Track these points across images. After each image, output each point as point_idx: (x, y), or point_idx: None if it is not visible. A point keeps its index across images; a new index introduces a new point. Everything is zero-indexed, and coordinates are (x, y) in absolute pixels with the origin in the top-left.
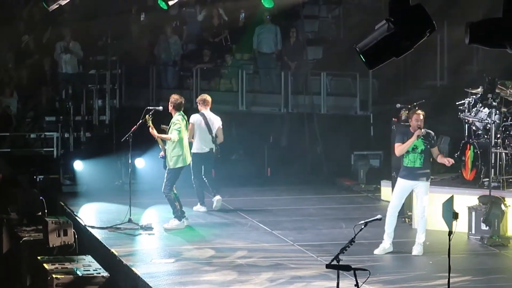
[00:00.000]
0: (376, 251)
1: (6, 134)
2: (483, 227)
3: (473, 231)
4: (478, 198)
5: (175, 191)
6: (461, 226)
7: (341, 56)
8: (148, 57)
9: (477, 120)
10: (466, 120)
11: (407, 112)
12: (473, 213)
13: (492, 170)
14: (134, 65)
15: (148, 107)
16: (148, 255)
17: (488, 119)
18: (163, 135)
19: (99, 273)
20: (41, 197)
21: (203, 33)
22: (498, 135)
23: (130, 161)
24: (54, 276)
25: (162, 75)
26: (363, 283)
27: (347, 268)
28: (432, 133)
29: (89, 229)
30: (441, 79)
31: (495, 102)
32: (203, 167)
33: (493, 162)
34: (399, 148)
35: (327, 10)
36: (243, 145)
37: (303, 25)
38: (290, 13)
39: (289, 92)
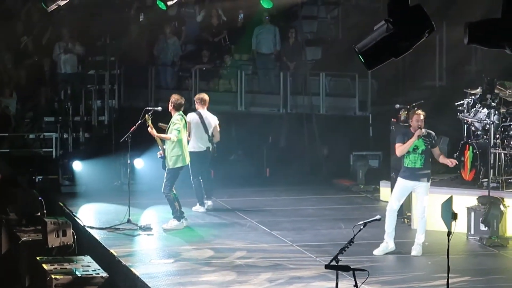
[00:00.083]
0: (376, 252)
1: (5, 135)
2: (482, 227)
3: (472, 232)
4: (477, 199)
5: (174, 192)
6: (460, 226)
7: (340, 56)
8: (147, 58)
9: (476, 120)
10: (465, 121)
11: (406, 112)
12: (472, 214)
13: (491, 170)
14: (133, 65)
15: (147, 108)
16: (147, 255)
17: (487, 119)
18: (163, 135)
19: (98, 274)
20: (40, 198)
21: (202, 33)
22: (497, 136)
23: (129, 162)
24: (53, 276)
25: (161, 76)
26: (362, 283)
27: (346, 268)
28: (433, 133)
29: (88, 229)
30: (440, 79)
31: (494, 102)
32: (200, 166)
33: (492, 162)
34: (399, 149)
35: (325, 10)
36: (242, 145)
37: (301, 25)
38: (289, 14)
39: (288, 93)
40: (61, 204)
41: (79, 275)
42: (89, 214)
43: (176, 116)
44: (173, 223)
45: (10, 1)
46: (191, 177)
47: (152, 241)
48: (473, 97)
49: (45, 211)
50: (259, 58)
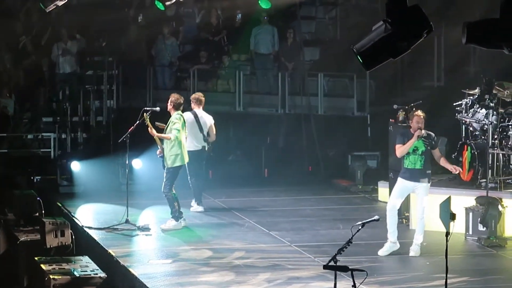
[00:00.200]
0: (381, 252)
1: (3, 135)
2: (480, 228)
3: (470, 232)
4: (475, 199)
5: (174, 192)
6: (458, 227)
7: (338, 57)
8: (146, 58)
9: (474, 121)
10: (463, 121)
11: (404, 113)
12: (470, 214)
13: (489, 171)
14: (131, 66)
15: (145, 108)
16: (146, 255)
17: (485, 120)
18: (162, 135)
19: (97, 274)
20: (38, 198)
21: (201, 33)
22: (495, 136)
23: (127, 162)
24: (51, 276)
25: (159, 76)
26: (361, 283)
27: (344, 269)
28: (433, 134)
29: (87, 229)
30: (438, 80)
31: (492, 103)
32: (197, 165)
33: (490, 163)
34: (399, 150)
35: (324, 11)
36: (241, 146)
37: (300, 26)
38: (287, 14)
39: (286, 93)
40: (59, 204)
41: (78, 275)
42: (88, 214)
43: (175, 115)
44: (171, 223)
45: (10, 1)
46: (189, 177)
47: (150, 241)
48: (471, 97)
49: (43, 211)
50: (257, 58)
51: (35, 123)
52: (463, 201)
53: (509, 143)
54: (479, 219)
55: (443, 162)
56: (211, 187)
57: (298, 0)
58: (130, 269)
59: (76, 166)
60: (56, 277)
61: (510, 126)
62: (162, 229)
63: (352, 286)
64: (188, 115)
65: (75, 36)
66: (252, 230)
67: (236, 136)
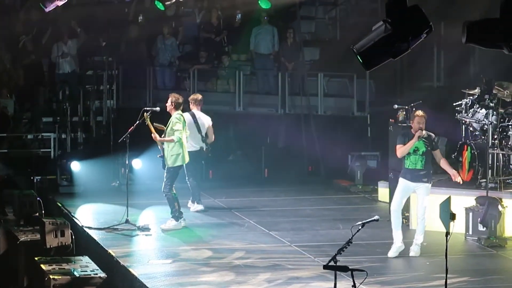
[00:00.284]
0: (390, 253)
1: (3, 135)
2: (480, 228)
3: (470, 232)
4: (475, 199)
5: (174, 192)
6: (458, 227)
7: (338, 57)
8: (145, 58)
9: (474, 121)
10: (463, 121)
11: (404, 113)
12: (470, 214)
13: (489, 171)
14: (131, 66)
15: (145, 108)
16: (146, 256)
17: (485, 120)
18: (166, 138)
19: (96, 274)
20: (38, 198)
21: (201, 32)
22: (495, 136)
23: (127, 162)
24: (51, 277)
25: (159, 76)
26: (361, 284)
27: (344, 269)
28: (433, 135)
29: (86, 230)
30: (438, 80)
31: (492, 103)
32: (195, 165)
33: (490, 163)
34: (400, 150)
35: (323, 11)
36: (241, 146)
37: (300, 26)
38: (287, 14)
39: (286, 93)
40: (59, 205)
41: (78, 276)
42: (87, 215)
43: (175, 115)
44: (171, 223)
45: (9, 1)
46: (186, 177)
47: (150, 241)
48: (471, 97)
49: (43, 212)
50: (257, 58)
51: (35, 123)
52: (463, 201)
53: (509, 143)
54: (479, 219)
55: (443, 165)
56: (211, 187)
57: (298, 0)
58: (130, 269)
59: (76, 166)
60: (56, 277)
61: (510, 126)
62: (162, 229)
63: (352, 286)
64: (186, 116)
65: (76, 31)
66: (252, 230)
67: (236, 136)
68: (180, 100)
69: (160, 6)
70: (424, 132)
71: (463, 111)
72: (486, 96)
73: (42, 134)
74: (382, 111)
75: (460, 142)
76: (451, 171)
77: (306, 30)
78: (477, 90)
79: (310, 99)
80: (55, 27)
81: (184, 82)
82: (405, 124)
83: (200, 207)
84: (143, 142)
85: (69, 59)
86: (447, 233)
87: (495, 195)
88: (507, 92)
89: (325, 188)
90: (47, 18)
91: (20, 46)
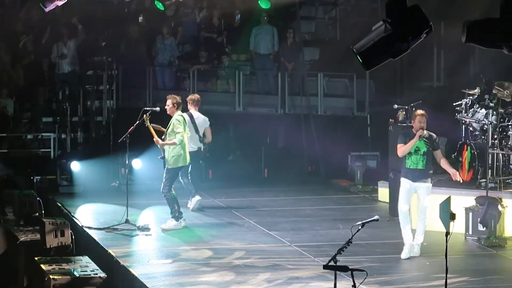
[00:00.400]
0: (402, 255)
1: (3, 135)
2: (480, 228)
3: (470, 232)
4: (475, 199)
5: (173, 192)
6: (458, 227)
7: (338, 57)
8: (145, 58)
9: (474, 121)
10: (463, 121)
11: (404, 113)
12: (470, 214)
13: (489, 171)
14: (131, 66)
15: (145, 108)
16: (146, 256)
17: (485, 120)
18: (168, 142)
19: (96, 274)
20: (38, 198)
21: (201, 32)
22: (495, 136)
23: (127, 162)
24: (51, 277)
25: (159, 76)
26: (361, 283)
27: (344, 269)
28: (434, 135)
29: (86, 229)
30: (438, 80)
31: (492, 103)
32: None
33: (490, 163)
34: (401, 149)
35: (323, 11)
36: (240, 146)
37: (299, 26)
38: (287, 14)
39: (286, 93)
40: (59, 205)
41: (77, 276)
42: (87, 215)
43: (176, 116)
44: (172, 223)
45: (9, 1)
46: (180, 177)
47: (150, 241)
48: (471, 97)
49: (43, 212)
50: (257, 58)
51: (34, 123)
52: (463, 201)
53: (509, 143)
54: (479, 219)
55: (444, 164)
56: (211, 187)
57: (298, 0)
58: (130, 269)
59: (76, 166)
60: (56, 277)
61: (510, 126)
62: (162, 229)
63: (352, 286)
64: (184, 116)
65: (77, 28)
66: (252, 230)
67: (236, 136)
68: (180, 100)
69: (160, 6)
70: (425, 132)
71: (463, 111)
72: (486, 96)
73: (42, 134)
74: (382, 111)
75: (460, 142)
76: (451, 170)
77: (306, 30)
78: (477, 90)
79: (310, 99)
80: (55, 27)
81: (184, 82)
82: (405, 124)
83: (196, 197)
84: (143, 142)
85: (69, 59)
86: (447, 233)
87: (495, 195)
88: (507, 92)
89: (325, 188)
90: (47, 18)
91: (20, 46)
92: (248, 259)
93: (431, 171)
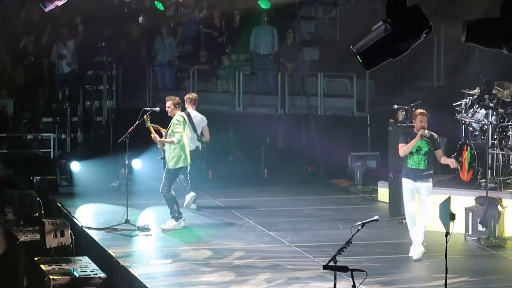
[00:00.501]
0: (415, 257)
1: (3, 135)
2: (480, 228)
3: (470, 232)
4: (475, 199)
5: (172, 192)
6: (458, 227)
7: (337, 57)
8: (145, 58)
9: (474, 121)
10: (463, 121)
11: (404, 113)
12: (470, 214)
13: (489, 171)
14: (131, 66)
15: (145, 108)
16: (145, 256)
17: (485, 120)
18: (166, 140)
19: (96, 274)
20: (38, 198)
21: (201, 32)
22: (495, 136)
23: (127, 162)
24: (51, 277)
25: (158, 76)
26: (361, 284)
27: (344, 269)
28: (435, 135)
29: (86, 230)
30: (438, 80)
31: (492, 103)
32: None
33: (490, 163)
34: (402, 149)
35: (323, 11)
36: (240, 146)
37: (299, 26)
38: (287, 14)
39: (286, 93)
40: (59, 205)
41: (77, 276)
42: (87, 215)
43: (176, 117)
44: (171, 224)
45: (9, 1)
46: None
47: (150, 241)
48: (471, 97)
49: (43, 212)
50: (257, 58)
51: (34, 123)
52: (463, 201)
53: (509, 143)
54: (478, 219)
55: (443, 160)
56: (211, 187)
57: (298, 0)
58: (130, 269)
59: (75, 166)
60: (55, 277)
61: (509, 126)
62: (162, 229)
63: (352, 286)
64: (184, 117)
65: (77, 26)
66: (252, 230)
67: (236, 136)
68: (179, 100)
69: (160, 6)
70: (426, 131)
71: (463, 111)
72: (486, 96)
73: (42, 134)
74: (382, 111)
75: (460, 142)
76: (449, 160)
77: (306, 30)
78: (477, 90)
79: (310, 99)
80: (55, 27)
81: (184, 82)
82: (405, 124)
83: (191, 194)
84: (143, 142)
85: (69, 59)
86: (447, 233)
87: (495, 195)
88: (507, 92)
89: (325, 188)
90: (47, 18)
91: (20, 46)
92: (248, 259)
93: (432, 171)
